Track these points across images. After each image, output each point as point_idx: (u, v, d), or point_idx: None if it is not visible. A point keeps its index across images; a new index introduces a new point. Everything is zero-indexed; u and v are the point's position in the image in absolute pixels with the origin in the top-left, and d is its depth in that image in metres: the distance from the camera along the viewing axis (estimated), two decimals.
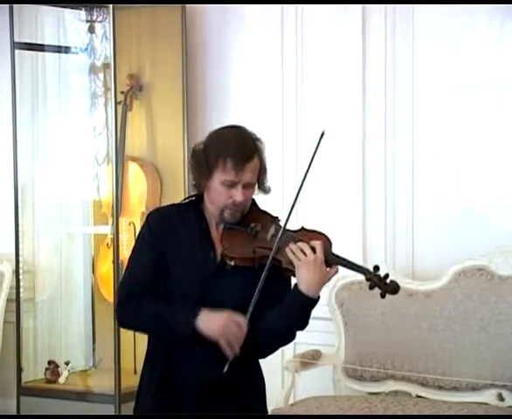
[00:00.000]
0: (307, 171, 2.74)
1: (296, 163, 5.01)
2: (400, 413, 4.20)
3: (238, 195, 2.73)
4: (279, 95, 5.08)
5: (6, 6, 5.08)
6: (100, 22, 5.19)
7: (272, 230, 2.76)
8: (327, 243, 2.73)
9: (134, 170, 5.24)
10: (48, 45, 5.34)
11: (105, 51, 5.18)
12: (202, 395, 2.78)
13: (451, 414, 4.17)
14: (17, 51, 5.13)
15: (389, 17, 4.83)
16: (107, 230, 5.18)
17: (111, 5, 4.89)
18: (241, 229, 2.77)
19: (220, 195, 2.75)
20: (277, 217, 2.82)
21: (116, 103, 4.95)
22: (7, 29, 5.08)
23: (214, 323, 2.69)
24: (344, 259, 2.72)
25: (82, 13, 5.24)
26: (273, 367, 4.93)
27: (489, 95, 4.66)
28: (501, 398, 4.31)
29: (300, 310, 2.72)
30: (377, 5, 4.83)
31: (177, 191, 5.07)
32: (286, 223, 2.75)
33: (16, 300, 5.20)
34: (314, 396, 4.49)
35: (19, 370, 5.16)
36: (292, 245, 2.68)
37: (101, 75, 5.26)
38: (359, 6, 4.86)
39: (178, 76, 5.18)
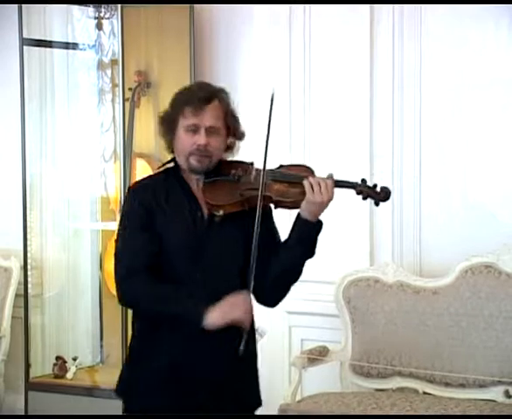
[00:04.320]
0: (268, 134, 2.85)
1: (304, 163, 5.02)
2: (407, 409, 4.20)
3: (200, 138, 2.80)
4: (286, 94, 5.07)
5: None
6: (108, 18, 5.21)
7: (254, 172, 2.83)
8: (311, 171, 2.85)
9: (141, 167, 5.25)
10: (56, 42, 5.36)
11: (112, 48, 5.20)
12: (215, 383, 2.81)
13: (458, 411, 4.18)
14: (25, 48, 5.14)
15: (397, 17, 4.82)
16: (114, 226, 5.19)
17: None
18: (222, 178, 2.83)
19: (184, 143, 2.83)
20: (252, 162, 2.88)
21: (124, 99, 4.96)
22: (16, 25, 5.09)
23: (219, 313, 2.71)
24: (336, 180, 2.84)
25: (90, 10, 5.26)
26: (280, 363, 4.98)
27: (497, 93, 4.66)
28: (508, 395, 4.31)
29: (310, 236, 2.81)
30: (384, 5, 4.83)
31: None
32: (265, 159, 2.80)
33: (24, 296, 5.21)
34: (321, 393, 4.50)
35: (27, 365, 5.18)
36: (311, 179, 2.77)
37: (109, 71, 5.28)
38: (367, 6, 4.86)
39: (186, 73, 5.18)
